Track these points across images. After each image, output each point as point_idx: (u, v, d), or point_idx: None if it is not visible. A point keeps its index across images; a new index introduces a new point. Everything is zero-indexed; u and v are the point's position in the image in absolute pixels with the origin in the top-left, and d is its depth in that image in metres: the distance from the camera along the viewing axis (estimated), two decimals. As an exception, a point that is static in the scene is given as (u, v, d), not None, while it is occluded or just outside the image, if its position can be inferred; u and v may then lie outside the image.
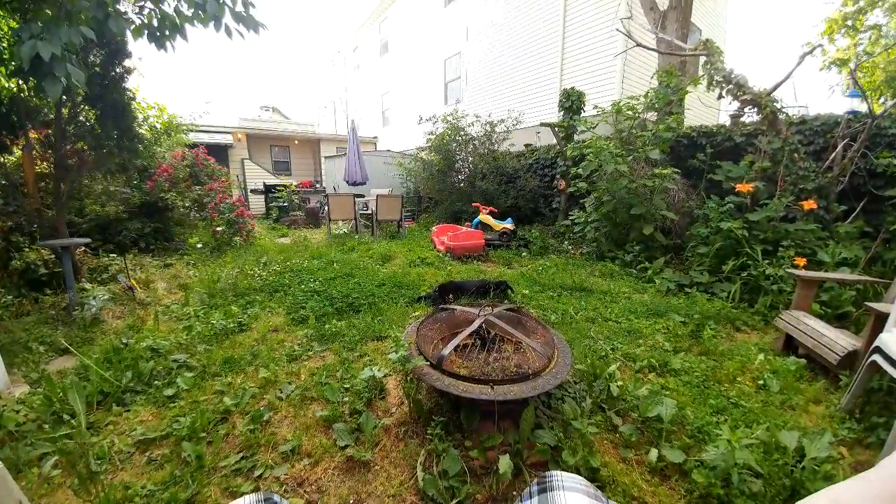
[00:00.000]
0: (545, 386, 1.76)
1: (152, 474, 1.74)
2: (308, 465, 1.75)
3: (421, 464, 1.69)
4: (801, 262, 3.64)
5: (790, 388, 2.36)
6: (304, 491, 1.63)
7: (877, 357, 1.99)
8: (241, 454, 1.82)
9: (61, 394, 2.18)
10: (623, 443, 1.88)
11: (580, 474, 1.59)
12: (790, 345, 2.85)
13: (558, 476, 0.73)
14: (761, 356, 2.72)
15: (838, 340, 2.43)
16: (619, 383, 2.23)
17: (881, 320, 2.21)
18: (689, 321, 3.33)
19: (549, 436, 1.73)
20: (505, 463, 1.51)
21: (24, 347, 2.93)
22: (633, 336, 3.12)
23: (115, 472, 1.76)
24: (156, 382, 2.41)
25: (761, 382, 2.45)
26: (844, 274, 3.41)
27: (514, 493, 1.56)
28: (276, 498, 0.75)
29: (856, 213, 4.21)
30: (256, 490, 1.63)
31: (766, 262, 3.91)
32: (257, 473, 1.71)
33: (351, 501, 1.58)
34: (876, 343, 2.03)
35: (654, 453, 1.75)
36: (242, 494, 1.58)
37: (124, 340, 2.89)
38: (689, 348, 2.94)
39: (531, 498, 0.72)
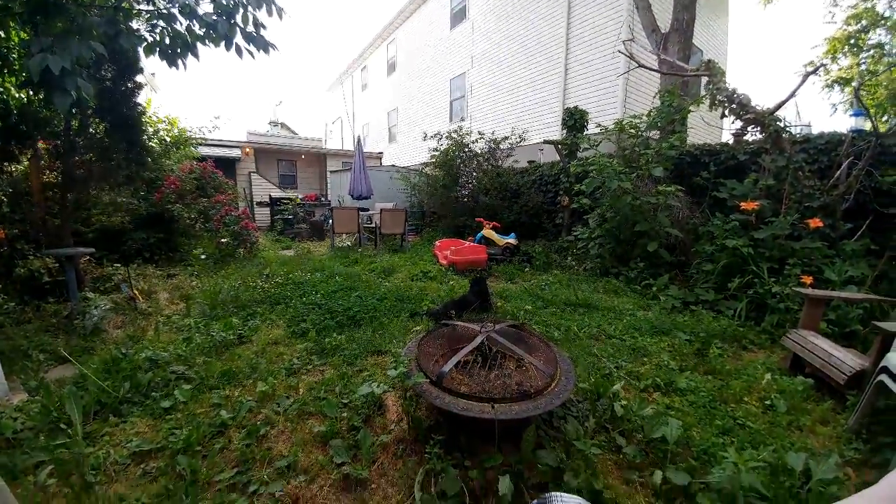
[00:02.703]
0: (548, 405, 1.73)
1: (146, 487, 1.72)
2: (304, 482, 1.71)
3: (419, 483, 1.64)
4: (808, 280, 3.60)
5: (797, 409, 2.32)
6: (299, 509, 1.59)
7: (884, 377, 1.96)
8: (236, 469, 1.79)
9: (59, 403, 2.18)
10: (627, 464, 1.83)
11: (582, 496, 1.55)
12: (798, 364, 2.80)
13: (558, 497, 0.72)
14: (768, 376, 2.67)
15: (846, 360, 2.39)
16: (624, 402, 2.18)
17: (888, 340, 2.18)
18: (694, 339, 3.27)
19: (550, 456, 1.69)
20: (505, 485, 1.47)
21: (23, 355, 2.93)
22: (637, 354, 3.07)
23: (110, 484, 1.75)
24: (153, 394, 2.40)
25: (768, 403, 2.40)
26: (851, 292, 3.37)
27: (515, 515, 1.51)
28: None
29: (861, 230, 4.17)
30: (250, 507, 1.59)
31: (773, 280, 3.87)
32: (252, 489, 1.67)
33: (346, 521, 1.54)
34: (883, 363, 2.00)
35: (658, 475, 1.69)
36: None
37: (123, 351, 2.87)
38: (695, 367, 2.89)
39: None
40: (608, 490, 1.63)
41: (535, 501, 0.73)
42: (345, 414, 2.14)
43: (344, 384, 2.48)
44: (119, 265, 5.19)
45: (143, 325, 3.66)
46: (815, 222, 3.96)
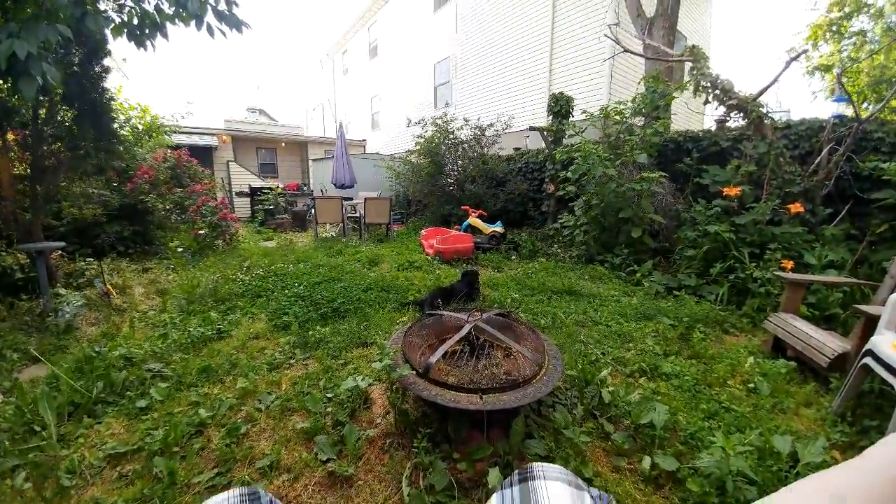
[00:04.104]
0: (536, 394, 1.70)
1: (123, 490, 1.65)
2: (287, 482, 1.66)
3: (406, 478, 1.61)
4: (789, 264, 3.66)
5: (780, 391, 2.34)
6: (283, 509, 1.54)
7: (868, 360, 1.97)
8: (216, 470, 1.72)
9: (32, 404, 2.09)
10: (615, 451, 1.83)
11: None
12: (779, 347, 2.84)
13: (539, 466, 0.71)
14: (751, 359, 2.70)
15: (827, 343, 2.42)
16: (611, 389, 2.18)
17: (872, 323, 2.19)
18: (678, 324, 3.31)
19: (539, 446, 1.67)
20: (494, 476, 1.45)
21: (-2, 355, 2.77)
22: (622, 339, 3.09)
23: (85, 487, 1.69)
24: (128, 393, 2.31)
25: (752, 386, 2.42)
26: (832, 276, 3.42)
27: None
28: (262, 491, 0.72)
29: (841, 215, 4.22)
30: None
31: (753, 264, 3.93)
32: (232, 491, 1.61)
33: (332, 520, 1.50)
34: (867, 346, 2.01)
35: (647, 461, 1.70)
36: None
37: (97, 349, 2.76)
38: (679, 351, 2.91)
39: (511, 486, 0.70)
40: (598, 477, 1.63)
41: (517, 472, 0.72)
42: (329, 409, 2.08)
43: (328, 378, 2.42)
44: (92, 259, 5.00)
45: (117, 321, 3.51)
46: (795, 207, 4.02)
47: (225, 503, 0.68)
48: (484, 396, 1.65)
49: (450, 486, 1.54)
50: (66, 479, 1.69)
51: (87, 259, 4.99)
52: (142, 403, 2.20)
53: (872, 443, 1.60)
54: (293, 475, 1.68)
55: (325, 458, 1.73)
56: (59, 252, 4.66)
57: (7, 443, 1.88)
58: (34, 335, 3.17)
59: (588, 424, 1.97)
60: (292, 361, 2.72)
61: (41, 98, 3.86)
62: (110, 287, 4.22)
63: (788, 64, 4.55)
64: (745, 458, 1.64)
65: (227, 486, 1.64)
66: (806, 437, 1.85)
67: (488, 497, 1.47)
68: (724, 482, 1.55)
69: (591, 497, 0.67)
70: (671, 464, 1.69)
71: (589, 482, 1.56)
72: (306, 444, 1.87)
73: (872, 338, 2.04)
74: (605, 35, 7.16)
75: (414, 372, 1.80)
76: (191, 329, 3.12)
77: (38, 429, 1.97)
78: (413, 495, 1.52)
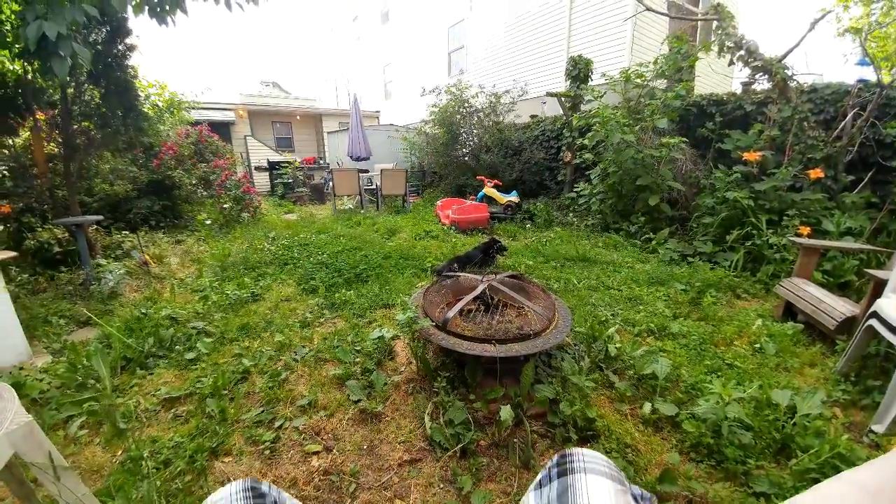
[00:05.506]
0: (545, 344, 1.85)
1: (178, 428, 1.86)
2: (324, 417, 1.89)
3: (428, 414, 1.82)
4: (805, 230, 3.63)
5: (786, 352, 2.40)
6: (322, 438, 1.77)
7: (873, 322, 1.99)
8: (262, 408, 1.96)
9: (85, 360, 2.26)
10: (618, 397, 1.99)
11: (576, 425, 1.71)
12: (790, 312, 2.86)
13: (580, 455, 0.66)
14: (759, 321, 2.75)
15: (837, 306, 2.43)
16: (618, 345, 2.31)
17: (880, 286, 2.20)
18: (690, 289, 3.37)
19: (548, 390, 1.84)
20: (506, 412, 1.62)
21: (43, 321, 3.00)
22: (633, 303, 3.18)
23: (142, 429, 1.87)
24: (177, 347, 2.54)
25: (758, 346, 2.48)
26: (846, 243, 3.38)
27: (515, 440, 1.67)
28: (265, 483, 0.71)
29: (863, 183, 4.12)
30: (277, 439, 1.76)
31: (771, 231, 3.91)
32: (277, 424, 1.85)
33: (365, 446, 1.72)
34: (873, 308, 2.02)
35: (647, 406, 1.85)
36: (263, 442, 1.73)
37: (143, 311, 3.00)
38: (689, 314, 3.00)
39: (550, 483, 0.64)
40: (601, 419, 1.79)
41: (556, 461, 0.67)
42: (358, 359, 2.30)
43: (355, 334, 2.64)
44: (127, 233, 5.29)
45: (158, 287, 3.78)
46: (815, 173, 3.94)
47: (228, 499, 0.65)
48: (497, 345, 1.81)
49: (466, 421, 1.74)
50: (122, 422, 1.86)
51: (122, 232, 5.30)
52: (190, 356, 2.45)
53: (874, 402, 1.65)
54: (329, 412, 1.92)
55: (356, 399, 1.96)
56: (95, 226, 4.92)
57: (59, 397, 2.04)
58: (79, 303, 3.38)
59: (594, 374, 2.13)
60: (322, 320, 2.95)
61: (68, 78, 4.01)
62: (148, 257, 4.51)
63: (813, 25, 4.35)
64: (743, 407, 1.75)
65: (272, 421, 1.87)
66: (806, 392, 1.90)
67: (501, 430, 1.65)
68: (719, 426, 1.67)
69: (634, 496, 0.62)
70: (670, 409, 1.83)
71: (592, 422, 1.73)
72: (339, 388, 2.10)
73: (878, 300, 2.05)
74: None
75: (433, 325, 1.98)
76: (227, 293, 3.38)
77: (91, 382, 2.13)
78: (434, 428, 1.73)
